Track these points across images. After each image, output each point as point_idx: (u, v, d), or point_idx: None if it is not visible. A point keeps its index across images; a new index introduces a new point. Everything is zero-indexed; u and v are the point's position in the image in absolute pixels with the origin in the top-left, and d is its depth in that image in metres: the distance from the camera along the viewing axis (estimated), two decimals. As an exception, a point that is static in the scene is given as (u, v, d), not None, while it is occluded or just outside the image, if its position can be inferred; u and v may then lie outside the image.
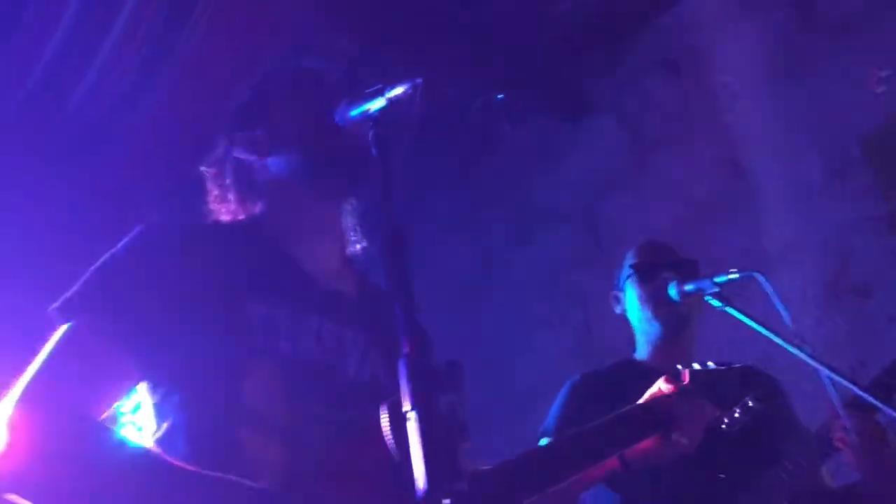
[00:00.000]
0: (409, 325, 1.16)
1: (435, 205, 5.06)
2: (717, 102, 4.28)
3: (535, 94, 4.73)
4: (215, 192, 1.84)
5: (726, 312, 2.58)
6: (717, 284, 2.54)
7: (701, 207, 4.28)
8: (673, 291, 2.61)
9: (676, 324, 2.69)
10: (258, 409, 1.49)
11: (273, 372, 1.52)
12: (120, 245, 1.58)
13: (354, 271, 1.85)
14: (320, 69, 1.85)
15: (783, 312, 2.49)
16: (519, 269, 5.11)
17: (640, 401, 1.98)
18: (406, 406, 1.08)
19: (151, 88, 3.96)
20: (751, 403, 2.07)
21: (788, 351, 2.37)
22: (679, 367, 2.04)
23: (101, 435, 1.41)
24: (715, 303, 2.55)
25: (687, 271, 2.73)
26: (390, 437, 1.12)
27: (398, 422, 1.10)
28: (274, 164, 1.77)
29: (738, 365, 2.18)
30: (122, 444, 1.41)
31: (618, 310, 2.91)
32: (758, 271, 2.54)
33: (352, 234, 1.84)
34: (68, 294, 1.52)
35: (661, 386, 1.99)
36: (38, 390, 1.41)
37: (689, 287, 2.59)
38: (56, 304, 1.51)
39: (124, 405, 1.68)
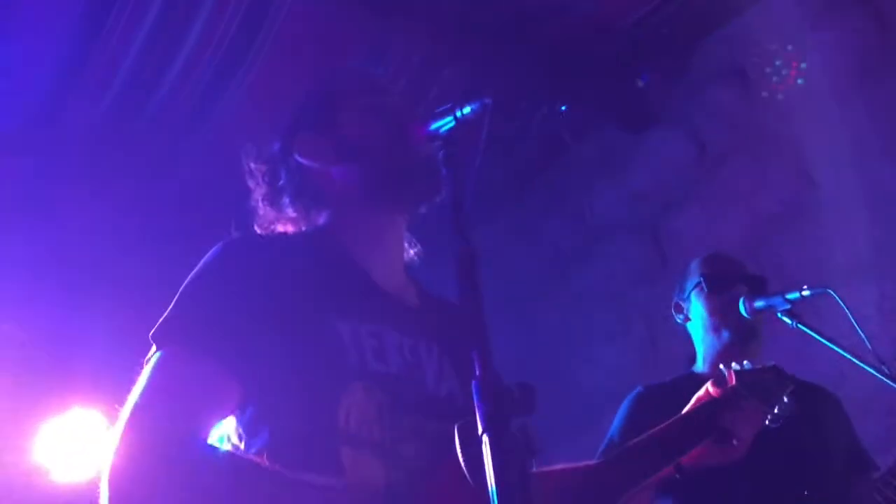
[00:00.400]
0: (481, 346, 1.15)
1: (498, 215, 5.05)
2: (787, 112, 4.19)
3: (600, 105, 4.69)
4: (264, 189, 1.82)
5: (799, 330, 2.54)
6: (788, 301, 2.50)
7: (770, 220, 4.19)
8: (743, 308, 2.57)
9: (746, 334, 2.64)
10: (355, 426, 1.49)
11: (368, 390, 1.52)
12: (203, 265, 1.59)
13: (413, 280, 1.85)
14: (388, 82, 1.86)
15: (858, 330, 2.44)
16: (582, 281, 5.07)
17: (687, 408, 1.98)
18: (479, 428, 1.08)
19: (222, 102, 4.04)
20: (785, 399, 2.06)
21: (864, 370, 2.32)
22: (721, 367, 2.04)
23: (203, 454, 1.42)
24: (787, 320, 2.51)
25: (757, 286, 2.69)
26: (462, 458, 1.12)
27: (471, 443, 1.10)
28: (339, 173, 1.75)
29: (769, 364, 2.18)
30: (228, 461, 1.43)
31: (679, 318, 2.87)
32: (830, 287, 2.49)
33: (407, 242, 1.84)
34: (163, 319, 1.52)
35: (709, 389, 1.98)
36: (147, 412, 1.42)
37: (759, 304, 2.56)
38: (153, 331, 1.51)
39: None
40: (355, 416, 1.49)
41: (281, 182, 1.80)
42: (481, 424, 1.09)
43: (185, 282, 1.57)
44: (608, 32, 4.31)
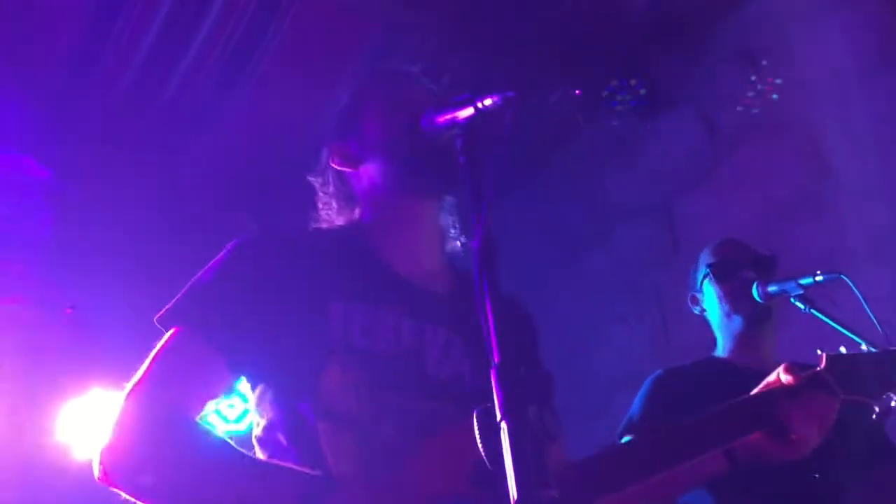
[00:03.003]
0: (499, 334, 1.17)
1: (510, 199, 5.06)
2: (801, 96, 4.17)
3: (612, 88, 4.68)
4: (324, 199, 1.93)
5: (812, 315, 2.55)
6: (801, 286, 2.50)
7: (783, 205, 4.19)
8: (756, 293, 2.58)
9: (757, 317, 2.65)
10: (334, 403, 1.54)
11: (346, 367, 1.57)
12: (217, 258, 1.70)
13: (453, 269, 1.88)
14: (410, 73, 1.89)
15: (871, 315, 2.44)
16: (595, 264, 5.08)
17: (755, 391, 1.79)
18: (497, 415, 1.11)
19: (237, 89, 4.06)
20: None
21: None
22: (819, 351, 1.83)
23: (189, 433, 1.54)
24: (800, 305, 2.52)
25: (765, 268, 2.70)
26: (481, 444, 1.15)
27: (490, 430, 1.12)
28: (366, 172, 1.84)
29: (893, 349, 1.97)
30: (206, 439, 1.55)
31: (696, 311, 2.89)
32: (843, 272, 2.49)
33: (451, 231, 1.88)
34: (170, 304, 1.65)
35: (780, 375, 1.78)
36: (142, 391, 1.55)
37: (772, 289, 2.56)
38: (159, 314, 1.64)
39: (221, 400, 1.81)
40: (335, 393, 1.55)
41: (331, 188, 1.91)
42: (499, 411, 1.11)
43: (197, 274, 1.68)
44: (622, 16, 4.30)
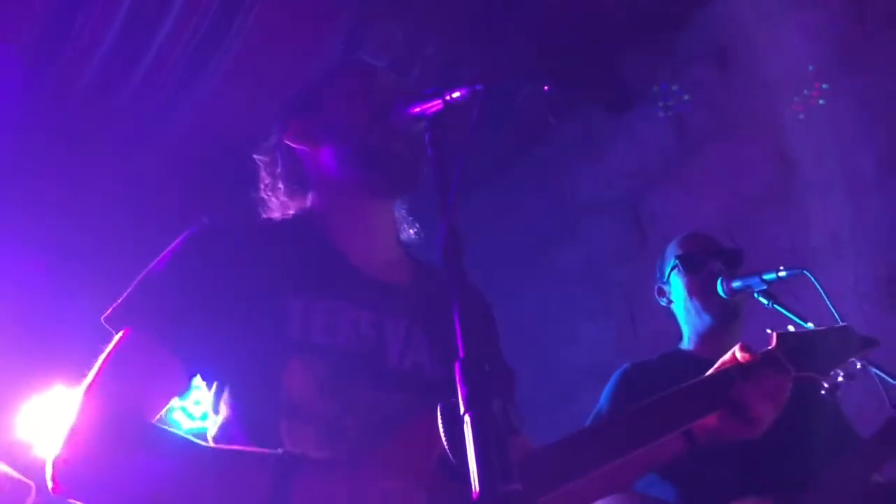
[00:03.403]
0: (464, 328, 1.17)
1: (478, 194, 5.07)
2: (766, 94, 4.22)
3: (580, 85, 4.70)
4: (267, 180, 1.86)
5: (775, 310, 2.58)
6: (765, 282, 2.53)
7: (748, 201, 4.24)
8: (720, 288, 2.61)
9: (727, 316, 2.68)
10: (296, 400, 1.52)
11: (308, 363, 1.54)
12: (165, 252, 1.63)
13: (410, 258, 1.87)
14: (376, 65, 1.87)
15: (833, 310, 2.48)
16: (563, 260, 5.11)
17: (710, 371, 1.81)
18: (461, 408, 1.11)
19: (201, 83, 4.02)
20: (858, 366, 1.91)
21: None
22: (768, 330, 1.87)
23: (147, 436, 1.47)
24: (763, 300, 2.55)
25: (732, 260, 2.73)
26: (445, 439, 1.14)
27: (453, 424, 1.12)
28: (325, 155, 1.77)
29: (839, 325, 2.03)
30: (166, 441, 1.47)
31: (663, 302, 2.91)
32: (807, 267, 2.53)
33: (404, 223, 1.86)
34: (117, 303, 1.57)
35: (736, 353, 1.81)
36: (95, 395, 1.47)
37: (736, 284, 2.59)
38: (107, 314, 1.57)
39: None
40: (297, 390, 1.52)
41: (278, 169, 1.84)
42: (463, 405, 1.11)
43: (147, 268, 1.61)
44: (592, 13, 4.32)
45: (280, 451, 1.38)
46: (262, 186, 1.87)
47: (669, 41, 4.64)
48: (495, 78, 4.33)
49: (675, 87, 4.63)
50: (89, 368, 1.51)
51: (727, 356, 1.84)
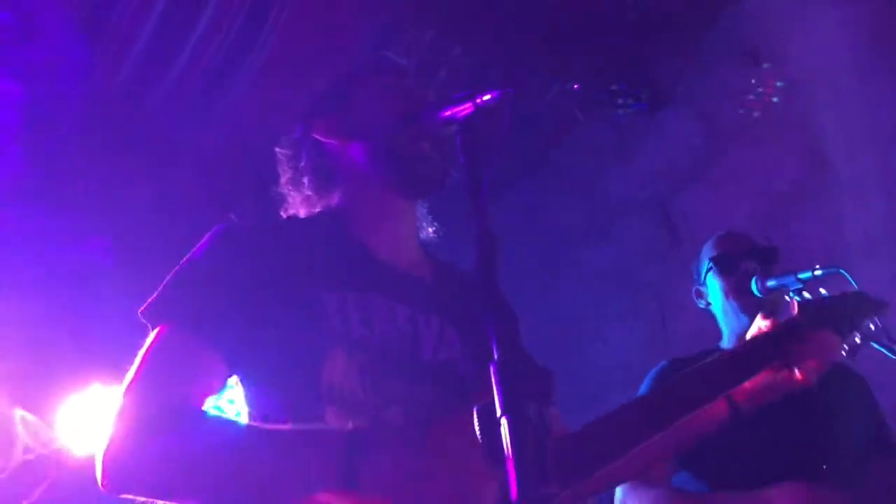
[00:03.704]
0: (499, 330, 1.18)
1: (509, 193, 5.07)
2: (798, 92, 4.18)
3: (610, 84, 4.69)
4: (288, 174, 1.86)
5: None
6: (800, 281, 2.51)
7: (780, 199, 4.20)
8: (755, 287, 2.59)
9: (764, 315, 2.66)
10: (339, 390, 1.52)
11: (350, 354, 1.55)
12: (197, 247, 1.63)
13: (429, 256, 1.87)
14: (407, 65, 1.86)
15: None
16: (594, 260, 5.09)
17: (747, 339, 1.92)
18: (497, 411, 1.11)
19: (233, 84, 4.06)
20: (872, 327, 2.00)
21: (875, 349, 2.33)
22: (787, 297, 2.01)
23: (199, 421, 1.48)
24: (798, 300, 2.53)
25: (768, 259, 2.72)
26: (481, 441, 1.14)
27: (490, 426, 1.12)
28: (354, 150, 1.77)
29: (853, 290, 2.12)
30: (220, 424, 1.49)
31: (701, 304, 2.89)
32: (841, 266, 2.50)
33: (423, 221, 1.87)
34: (152, 299, 1.57)
35: (759, 324, 1.93)
36: (139, 390, 1.47)
37: (771, 283, 2.57)
38: (142, 309, 1.57)
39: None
40: (338, 380, 1.52)
41: (302, 163, 1.83)
42: (500, 407, 1.11)
43: (181, 263, 1.61)
44: (620, 11, 4.30)
45: (350, 425, 1.38)
46: (283, 181, 1.87)
47: (699, 40, 4.61)
48: (525, 78, 4.33)
49: (704, 86, 4.60)
50: (126, 367, 1.50)
51: (753, 328, 1.95)
